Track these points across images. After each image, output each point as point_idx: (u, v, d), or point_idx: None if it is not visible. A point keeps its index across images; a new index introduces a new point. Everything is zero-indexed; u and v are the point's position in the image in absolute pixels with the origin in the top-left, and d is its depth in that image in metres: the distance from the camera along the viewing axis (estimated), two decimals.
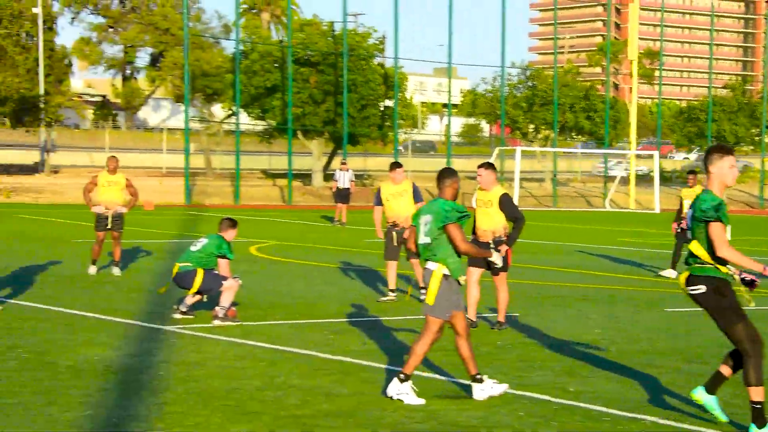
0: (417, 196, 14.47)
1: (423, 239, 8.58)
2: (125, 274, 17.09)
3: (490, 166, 12.14)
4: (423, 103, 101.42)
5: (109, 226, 16.84)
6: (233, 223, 12.63)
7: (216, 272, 12.37)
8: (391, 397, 8.42)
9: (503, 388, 8.70)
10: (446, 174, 8.66)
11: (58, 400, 8.07)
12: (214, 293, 12.27)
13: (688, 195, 18.59)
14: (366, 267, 19.34)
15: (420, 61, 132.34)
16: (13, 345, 10.34)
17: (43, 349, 10.18)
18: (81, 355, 9.96)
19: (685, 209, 18.88)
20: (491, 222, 12.08)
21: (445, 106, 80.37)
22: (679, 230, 18.93)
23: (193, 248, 12.51)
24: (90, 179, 17.30)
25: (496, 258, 10.21)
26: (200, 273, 12.22)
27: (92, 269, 16.77)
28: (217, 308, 12.19)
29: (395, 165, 14.63)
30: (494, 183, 12.15)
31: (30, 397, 8.14)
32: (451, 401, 8.54)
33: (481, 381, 8.64)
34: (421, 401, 8.39)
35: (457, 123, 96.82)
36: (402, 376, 8.46)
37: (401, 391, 8.43)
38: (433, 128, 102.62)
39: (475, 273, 12.17)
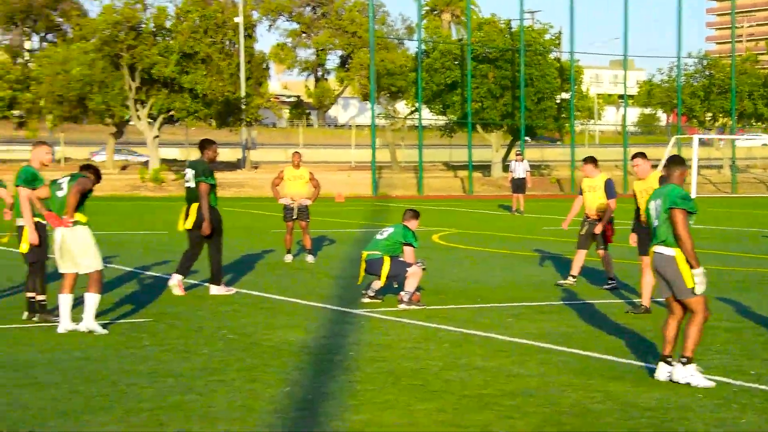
0: (609, 192, 14.03)
1: (654, 222, 8.44)
2: (318, 261, 17.49)
3: (644, 155, 12.04)
4: (599, 94, 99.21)
5: (294, 217, 17.30)
6: (416, 214, 12.74)
7: (401, 259, 12.50)
8: (677, 382, 8.16)
9: (709, 384, 8.19)
10: (676, 161, 8.53)
11: (260, 378, 8.33)
12: (400, 279, 12.40)
13: None
14: (544, 253, 19.13)
15: (596, 55, 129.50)
16: (219, 327, 10.75)
17: (246, 331, 10.54)
18: (280, 336, 10.26)
19: None
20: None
21: (621, 97, 78.41)
22: None
23: (379, 237, 12.68)
24: (277, 174, 17.82)
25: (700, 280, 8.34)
26: (387, 260, 12.37)
27: (288, 257, 17.25)
28: (402, 293, 12.32)
29: (588, 160, 14.29)
30: (650, 171, 12.02)
31: (235, 375, 8.44)
32: (630, 382, 8.35)
33: (670, 363, 8.36)
34: (711, 383, 8.12)
35: (634, 113, 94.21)
36: (684, 359, 8.18)
37: (686, 373, 8.15)
38: (609, 119, 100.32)
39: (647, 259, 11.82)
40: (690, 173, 43.83)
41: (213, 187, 13.12)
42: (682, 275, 8.17)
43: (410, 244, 12.54)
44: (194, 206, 13.14)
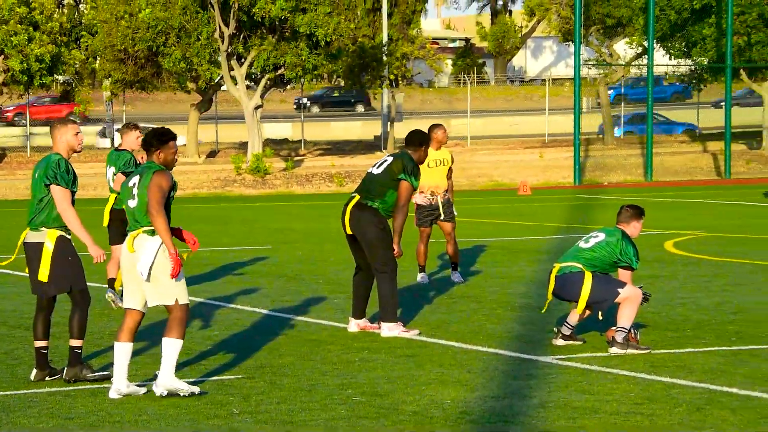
0: None
1: None
2: (487, 284, 17.49)
3: None
4: None
5: (440, 217, 17.21)
6: (639, 213, 12.62)
7: (611, 276, 12.39)
8: None
9: None
10: None
11: None
12: (606, 306, 12.28)
13: None
14: None
15: None
16: (342, 384, 10.89)
17: (381, 390, 10.63)
18: (429, 397, 10.32)
19: None
20: None
21: None
22: None
23: (583, 245, 12.61)
24: None
25: None
26: (588, 277, 12.27)
27: (422, 277, 17.33)
28: (614, 329, 12.22)
29: None
30: None
31: None
32: None
33: None
34: None
35: None
36: None
37: None
38: None
39: None
40: None
41: None
42: None
43: (629, 267, 12.39)
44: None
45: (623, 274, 12.47)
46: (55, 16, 51.05)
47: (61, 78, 51.18)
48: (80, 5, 59.34)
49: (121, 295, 15.92)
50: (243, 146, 49.89)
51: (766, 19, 46.84)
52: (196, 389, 10.35)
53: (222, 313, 15.22)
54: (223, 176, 44.86)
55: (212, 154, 51.04)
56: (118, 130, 15.48)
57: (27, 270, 11.20)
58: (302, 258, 21.02)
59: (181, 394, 10.27)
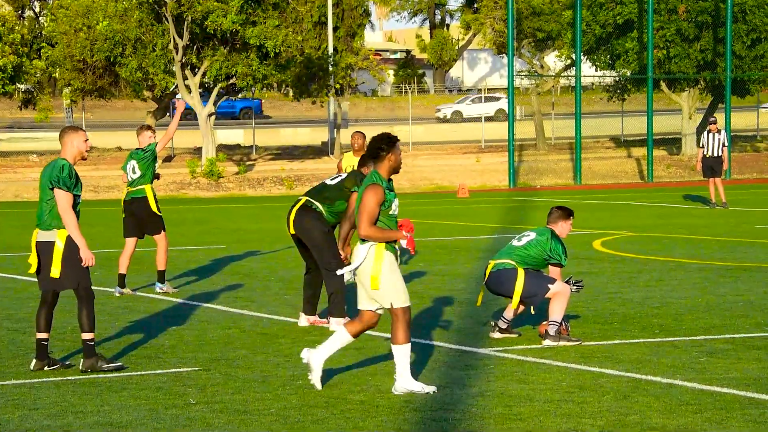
0: None
1: None
2: (428, 281, 17.53)
3: None
4: None
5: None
6: (568, 214, 12.67)
7: (542, 273, 12.47)
8: None
9: None
10: None
11: None
12: (538, 300, 12.36)
13: None
14: (754, 265, 18.83)
15: None
16: (293, 376, 10.89)
17: (329, 381, 10.64)
18: (375, 387, 10.34)
19: None
20: None
21: None
22: None
23: (516, 243, 12.68)
24: (336, 165, 17.76)
25: None
26: (521, 273, 12.33)
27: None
28: (546, 323, 12.28)
29: None
30: None
31: None
32: None
33: None
34: None
35: None
36: None
37: None
38: None
39: None
40: None
41: None
42: None
43: (558, 264, 12.48)
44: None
45: (553, 271, 12.55)
46: (17, 28, 50.83)
47: (22, 86, 50.86)
48: (40, 18, 58.95)
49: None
50: (197, 151, 49.68)
51: (683, 34, 47.22)
52: (431, 389, 9.99)
53: (178, 309, 15.18)
54: (179, 179, 44.64)
55: (168, 159, 50.81)
56: (141, 129, 16.67)
57: (32, 268, 11.21)
58: (255, 257, 20.98)
59: (417, 392, 9.95)
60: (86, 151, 11.17)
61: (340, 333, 10.30)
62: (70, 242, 10.98)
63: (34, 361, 11.25)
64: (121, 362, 11.40)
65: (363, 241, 10.08)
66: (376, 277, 9.98)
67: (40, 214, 11.09)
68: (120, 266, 16.39)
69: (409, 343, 10.07)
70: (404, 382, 10.05)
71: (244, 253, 21.52)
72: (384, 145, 10.13)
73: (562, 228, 12.63)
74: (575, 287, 12.46)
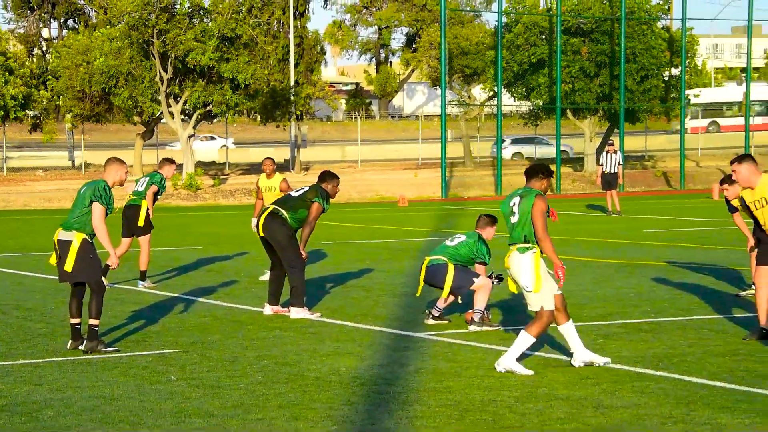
0: None
1: None
2: (374, 276, 17.52)
3: (744, 158, 11.03)
4: (717, 69, 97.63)
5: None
6: (492, 220, 12.71)
7: (469, 269, 12.49)
8: None
9: None
10: None
11: (304, 415, 8.40)
12: (465, 291, 12.38)
13: None
14: (643, 263, 18.96)
15: (714, 20, 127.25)
16: (259, 357, 10.85)
17: (289, 360, 10.63)
18: (328, 365, 10.33)
19: None
20: None
21: (743, 70, 77.17)
22: None
23: (448, 243, 12.71)
24: (255, 187, 17.68)
25: None
26: (451, 268, 12.36)
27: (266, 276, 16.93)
28: (471, 312, 12.30)
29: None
30: (756, 175, 10.97)
31: (275, 413, 8.51)
32: (744, 413, 8.25)
33: None
34: None
35: (761, 90, 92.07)
36: None
37: None
38: (731, 96, 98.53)
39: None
40: None
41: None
42: None
43: (483, 262, 12.53)
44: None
45: (479, 268, 12.59)
46: (27, 63, 50.56)
47: (31, 113, 50.51)
48: (47, 55, 58.46)
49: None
50: (178, 167, 49.37)
51: (585, 72, 47.48)
52: (529, 372, 9.71)
53: (162, 300, 15.08)
54: None
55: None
56: (163, 161, 17.01)
57: (52, 259, 11.24)
58: (227, 256, 20.89)
59: (518, 373, 9.72)
60: (124, 180, 11.27)
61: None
62: (84, 244, 11.01)
63: (70, 342, 11.24)
64: (116, 346, 11.33)
65: (523, 251, 9.92)
66: None
67: (68, 218, 11.13)
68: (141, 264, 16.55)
69: (534, 338, 9.85)
70: (509, 360, 9.81)
71: (218, 253, 21.42)
72: (543, 170, 10.07)
73: (488, 232, 12.68)
74: (496, 280, 12.51)
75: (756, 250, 11.86)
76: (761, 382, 9.35)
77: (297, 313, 13.24)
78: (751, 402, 8.66)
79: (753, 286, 13.62)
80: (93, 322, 11.01)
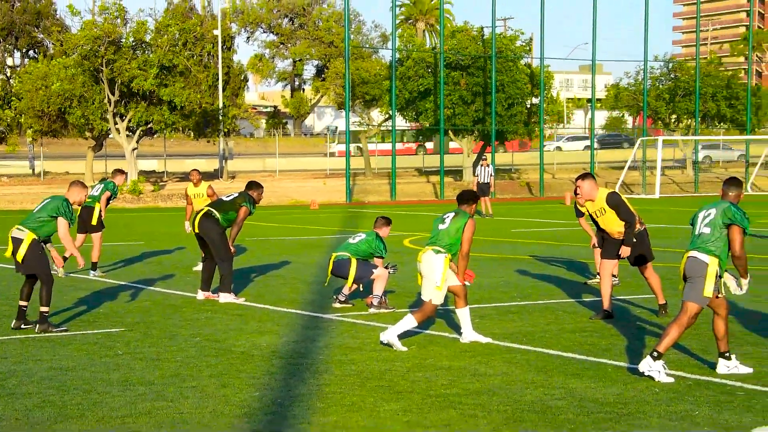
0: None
1: (698, 230, 8.50)
2: (290, 267, 17.45)
3: (587, 176, 11.45)
4: (569, 99, 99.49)
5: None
6: (387, 221, 12.76)
7: (369, 261, 12.51)
8: (642, 373, 8.27)
9: (748, 370, 8.52)
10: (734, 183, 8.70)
11: (231, 383, 8.34)
12: (365, 281, 12.40)
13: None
14: (511, 257, 19.20)
15: (566, 60, 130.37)
16: (193, 334, 10.74)
17: (218, 337, 10.54)
18: (251, 342, 10.26)
19: None
20: (617, 224, 11.50)
21: (589, 101, 78.92)
22: None
23: (351, 240, 12.70)
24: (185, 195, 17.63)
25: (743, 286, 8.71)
26: (354, 262, 12.38)
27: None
28: (370, 296, 12.34)
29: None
30: (595, 190, 11.34)
31: (207, 381, 8.43)
32: (589, 379, 8.42)
33: (729, 358, 8.56)
34: (671, 380, 8.22)
35: (602, 116, 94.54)
36: (655, 354, 8.28)
37: (653, 368, 8.25)
38: (579, 122, 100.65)
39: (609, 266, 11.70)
40: (655, 173, 44.10)
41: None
42: (705, 282, 8.31)
43: (380, 256, 12.57)
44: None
45: (377, 261, 12.61)
46: None
47: None
48: (11, 80, 57.03)
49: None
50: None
51: (463, 99, 47.97)
52: (404, 348, 9.64)
53: (109, 287, 14.82)
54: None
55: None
56: (115, 171, 17.15)
57: (8, 253, 11.02)
58: (166, 250, 20.60)
59: (396, 347, 9.64)
60: (83, 201, 11.22)
61: (462, 312, 10.14)
62: (33, 243, 10.78)
63: (14, 320, 11.01)
64: (66, 326, 11.08)
65: (437, 252, 9.93)
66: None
67: (27, 218, 10.89)
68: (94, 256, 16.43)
69: (417, 323, 9.91)
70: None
71: (157, 248, 21.11)
72: (471, 195, 10.13)
73: (384, 231, 12.72)
74: (392, 270, 12.55)
75: (597, 247, 12.16)
76: (604, 354, 9.56)
77: (225, 298, 13.13)
78: (596, 370, 8.84)
79: (597, 276, 13.98)
80: (43, 309, 10.77)
